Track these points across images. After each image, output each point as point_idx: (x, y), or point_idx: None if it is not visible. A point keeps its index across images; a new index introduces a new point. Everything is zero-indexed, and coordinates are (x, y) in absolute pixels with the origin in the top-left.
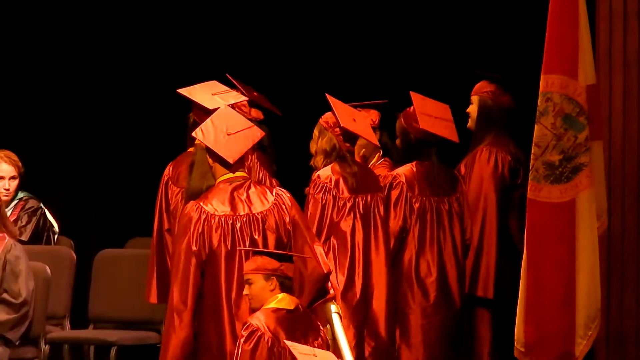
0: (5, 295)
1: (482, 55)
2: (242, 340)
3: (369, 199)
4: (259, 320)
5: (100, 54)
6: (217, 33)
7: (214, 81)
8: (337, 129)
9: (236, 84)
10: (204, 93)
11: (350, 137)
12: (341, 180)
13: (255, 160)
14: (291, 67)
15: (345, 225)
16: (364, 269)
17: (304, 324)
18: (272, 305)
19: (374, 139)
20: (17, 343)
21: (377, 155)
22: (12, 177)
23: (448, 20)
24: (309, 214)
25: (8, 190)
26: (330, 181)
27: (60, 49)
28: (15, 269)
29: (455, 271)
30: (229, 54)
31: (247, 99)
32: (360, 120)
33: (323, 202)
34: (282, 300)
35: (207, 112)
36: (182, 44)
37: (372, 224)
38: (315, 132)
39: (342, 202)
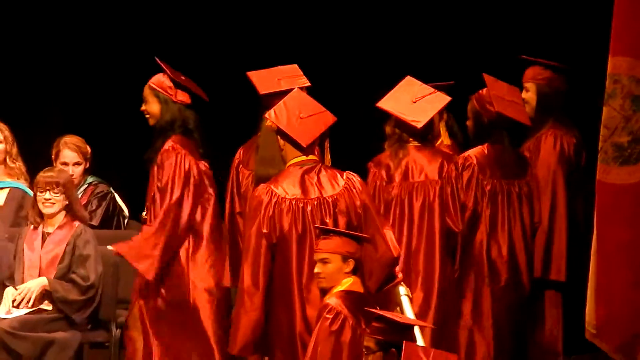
0: (73, 276)
1: (535, 39)
2: (327, 323)
3: (416, 185)
4: (339, 302)
5: (167, 37)
6: (284, 17)
7: (294, 65)
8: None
9: (164, 67)
10: (268, 77)
11: (502, 120)
12: (392, 167)
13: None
14: (347, 53)
15: (387, 212)
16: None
17: (371, 307)
18: (346, 287)
19: (528, 120)
20: (87, 327)
21: (441, 139)
22: (76, 163)
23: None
24: None
25: (72, 176)
26: (378, 167)
27: (127, 33)
28: (83, 253)
29: (524, 254)
30: (300, 38)
31: (309, 84)
32: (514, 101)
33: (371, 189)
34: (354, 284)
35: (259, 96)
36: (253, 28)
37: (425, 211)
38: None
39: (388, 189)
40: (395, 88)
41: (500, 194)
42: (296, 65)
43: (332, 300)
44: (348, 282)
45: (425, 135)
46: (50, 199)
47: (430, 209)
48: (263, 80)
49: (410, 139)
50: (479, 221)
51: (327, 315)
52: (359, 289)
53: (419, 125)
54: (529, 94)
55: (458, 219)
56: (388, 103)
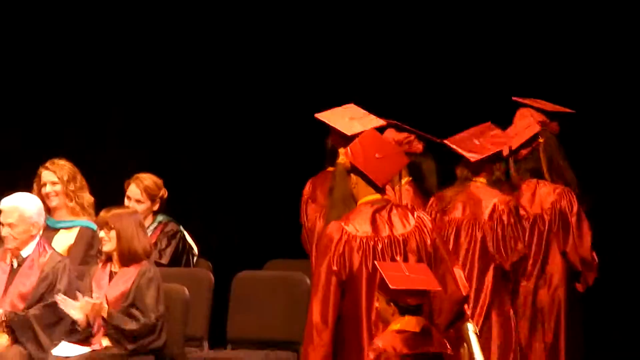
0: (132, 310)
1: None
2: None
3: (464, 222)
4: (385, 341)
5: (234, 76)
6: (349, 56)
7: (351, 104)
8: None
9: None
10: (341, 117)
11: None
12: (448, 201)
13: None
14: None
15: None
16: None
17: (431, 345)
18: (398, 327)
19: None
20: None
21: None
22: (138, 200)
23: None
24: None
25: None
26: (437, 199)
27: (198, 74)
28: (145, 291)
29: None
30: (362, 76)
31: (384, 123)
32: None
33: None
34: (408, 323)
35: (345, 138)
36: (318, 68)
37: (470, 248)
38: None
39: (441, 221)
40: (472, 128)
41: None
42: (352, 104)
43: (379, 339)
44: (402, 322)
45: (479, 172)
46: (104, 237)
47: (474, 248)
48: (341, 121)
49: (474, 178)
50: None
51: (370, 355)
52: (414, 328)
53: (472, 159)
54: None
55: (508, 259)
56: (453, 139)
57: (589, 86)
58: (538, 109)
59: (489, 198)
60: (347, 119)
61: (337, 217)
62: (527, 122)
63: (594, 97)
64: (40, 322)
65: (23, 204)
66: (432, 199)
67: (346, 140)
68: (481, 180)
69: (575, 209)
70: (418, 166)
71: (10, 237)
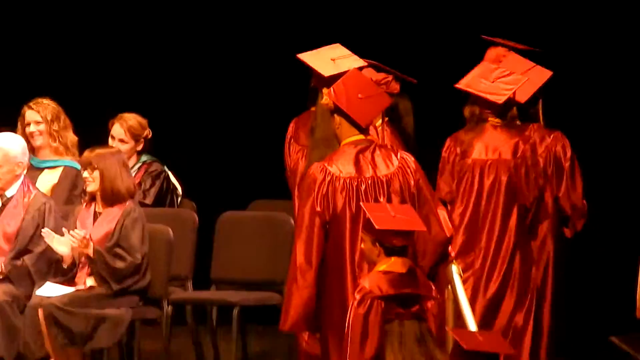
0: (117, 250)
1: None
2: (355, 303)
3: (488, 163)
4: (371, 282)
5: (218, 19)
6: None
7: (337, 44)
8: None
9: None
10: (323, 58)
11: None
12: (467, 143)
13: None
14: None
15: (458, 187)
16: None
17: (417, 286)
18: (384, 267)
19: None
20: (139, 303)
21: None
22: (121, 140)
23: None
24: None
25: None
26: (454, 142)
27: (182, 17)
28: (130, 231)
29: None
30: (350, 16)
31: (366, 64)
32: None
33: (445, 162)
34: (394, 264)
35: (323, 79)
36: (300, 8)
37: (494, 189)
38: None
39: (462, 164)
40: (473, 70)
41: None
42: (338, 44)
43: (365, 280)
44: (388, 263)
45: (505, 114)
46: (88, 177)
47: (499, 188)
48: (321, 62)
49: (490, 118)
50: None
51: (356, 295)
52: (400, 269)
53: (500, 101)
54: None
55: (530, 198)
56: (465, 83)
57: (555, 29)
58: (510, 48)
59: (510, 138)
60: (328, 59)
61: (319, 158)
62: (523, 64)
63: (565, 41)
64: (36, 270)
65: (7, 144)
66: (448, 141)
67: (324, 81)
68: (497, 120)
69: (569, 154)
70: (395, 106)
71: None
